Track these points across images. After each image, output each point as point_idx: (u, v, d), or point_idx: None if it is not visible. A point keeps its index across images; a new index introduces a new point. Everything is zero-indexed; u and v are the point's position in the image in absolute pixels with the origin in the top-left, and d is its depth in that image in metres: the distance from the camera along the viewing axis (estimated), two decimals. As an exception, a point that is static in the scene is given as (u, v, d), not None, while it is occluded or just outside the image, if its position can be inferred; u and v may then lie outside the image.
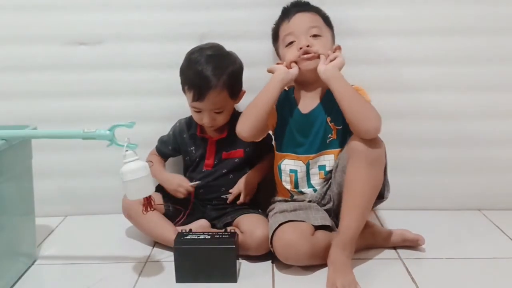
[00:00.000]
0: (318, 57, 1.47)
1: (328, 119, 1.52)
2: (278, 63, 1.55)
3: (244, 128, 1.47)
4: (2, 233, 1.34)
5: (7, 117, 1.70)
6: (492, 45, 1.72)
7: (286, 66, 1.49)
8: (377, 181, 1.39)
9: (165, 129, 1.71)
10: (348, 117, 1.39)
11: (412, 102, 1.74)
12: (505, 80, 1.74)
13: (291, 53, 1.49)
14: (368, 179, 1.36)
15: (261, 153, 1.66)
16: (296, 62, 1.49)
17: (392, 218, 1.75)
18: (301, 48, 1.47)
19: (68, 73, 1.75)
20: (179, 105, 1.68)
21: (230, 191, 1.62)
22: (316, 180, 1.54)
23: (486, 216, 1.77)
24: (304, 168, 1.53)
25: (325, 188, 1.54)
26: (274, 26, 1.61)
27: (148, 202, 1.38)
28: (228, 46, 1.63)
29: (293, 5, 1.60)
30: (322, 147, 1.52)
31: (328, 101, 1.52)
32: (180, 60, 1.60)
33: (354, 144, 1.37)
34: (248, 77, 1.61)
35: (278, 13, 1.60)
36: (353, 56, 1.62)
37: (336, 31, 1.59)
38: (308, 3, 1.60)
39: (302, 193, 1.56)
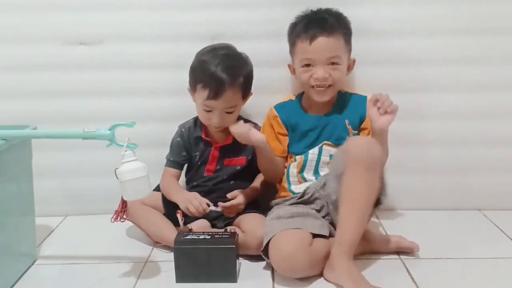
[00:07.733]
0: (329, 87, 1.51)
1: (347, 122, 1.55)
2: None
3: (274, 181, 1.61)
4: (2, 233, 1.34)
5: (7, 117, 1.70)
6: (492, 45, 1.72)
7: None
8: (375, 187, 1.36)
9: (165, 129, 1.70)
10: None
11: (412, 102, 1.74)
12: (505, 80, 1.74)
13: (306, 78, 1.52)
14: (367, 185, 1.33)
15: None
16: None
17: (392, 218, 1.75)
18: (316, 78, 1.50)
19: (68, 73, 1.75)
20: (179, 105, 1.68)
21: (229, 195, 1.57)
22: (324, 169, 1.55)
23: (486, 216, 1.77)
24: (316, 150, 1.54)
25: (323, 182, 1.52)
26: (293, 34, 1.55)
27: (121, 211, 1.39)
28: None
29: (317, 19, 1.52)
30: (339, 141, 1.53)
31: (341, 105, 1.57)
32: (180, 60, 1.60)
33: (351, 150, 1.35)
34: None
35: (279, 13, 1.59)
36: (358, 56, 1.62)
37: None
38: (334, 19, 1.53)
39: (304, 179, 1.55)
